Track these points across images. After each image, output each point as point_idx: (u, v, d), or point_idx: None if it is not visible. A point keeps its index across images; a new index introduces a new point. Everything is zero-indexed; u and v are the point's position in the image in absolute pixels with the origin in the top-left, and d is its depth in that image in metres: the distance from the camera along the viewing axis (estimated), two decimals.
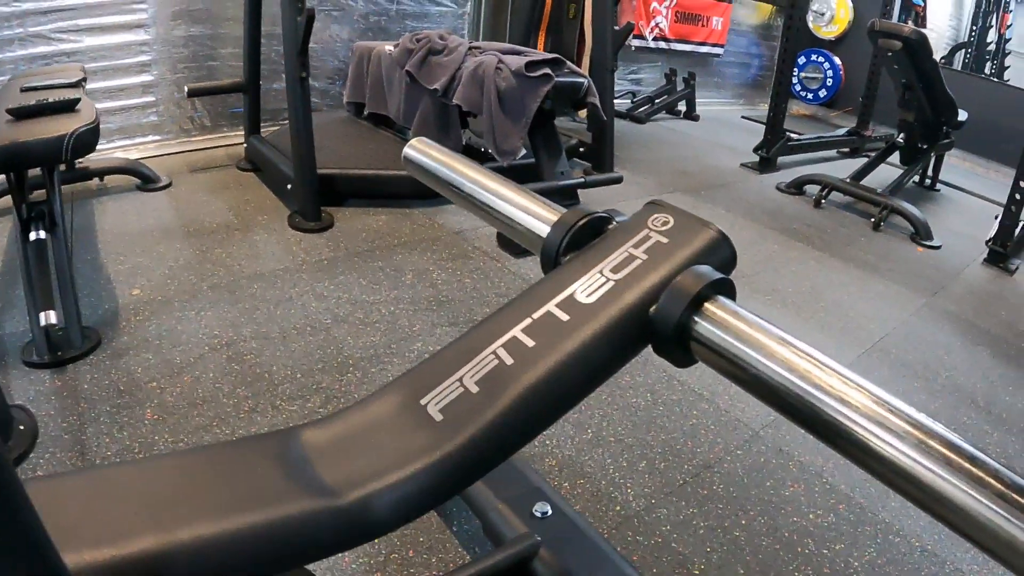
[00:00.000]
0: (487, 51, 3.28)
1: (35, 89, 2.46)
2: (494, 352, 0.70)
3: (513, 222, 0.94)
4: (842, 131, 5.92)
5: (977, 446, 0.53)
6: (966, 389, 2.47)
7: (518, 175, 3.12)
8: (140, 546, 0.50)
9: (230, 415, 1.82)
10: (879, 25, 4.08)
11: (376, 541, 1.49)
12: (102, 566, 0.49)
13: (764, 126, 5.11)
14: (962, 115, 4.76)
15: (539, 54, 3.25)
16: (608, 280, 0.74)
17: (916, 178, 5.26)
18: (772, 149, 5.00)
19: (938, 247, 3.94)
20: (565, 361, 0.68)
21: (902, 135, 4.73)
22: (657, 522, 1.68)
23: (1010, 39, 8.18)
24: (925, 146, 4.76)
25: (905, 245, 3.95)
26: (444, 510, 1.59)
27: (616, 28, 4.23)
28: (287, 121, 3.10)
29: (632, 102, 6.30)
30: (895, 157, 4.86)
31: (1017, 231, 3.86)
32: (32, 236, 2.15)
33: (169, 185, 3.35)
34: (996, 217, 3.89)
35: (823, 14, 7.36)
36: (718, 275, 0.72)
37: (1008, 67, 8.03)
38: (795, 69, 7.50)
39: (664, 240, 0.78)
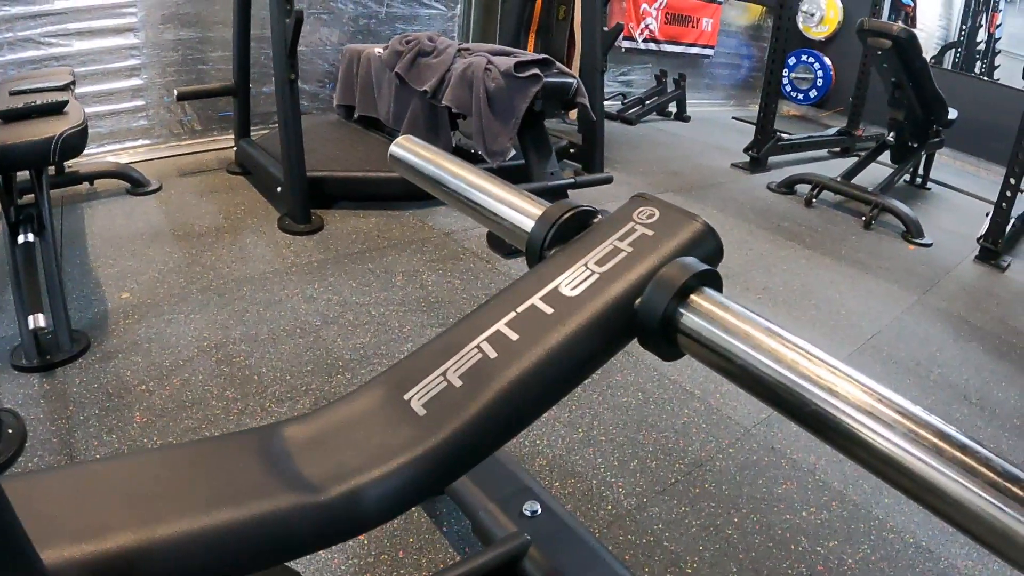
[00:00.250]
0: (476, 52, 3.28)
1: (23, 92, 2.45)
2: (478, 346, 0.70)
3: (498, 217, 0.93)
4: (832, 131, 5.94)
5: (967, 435, 0.53)
6: (959, 385, 2.48)
7: (508, 176, 3.05)
8: (118, 542, 0.50)
9: (219, 417, 1.81)
10: (868, 24, 4.10)
11: (365, 542, 1.49)
12: (80, 563, 0.48)
13: (754, 126, 5.12)
14: (952, 114, 4.78)
15: (528, 55, 3.25)
16: (593, 273, 0.74)
17: (907, 177, 5.28)
18: (762, 149, 5.01)
19: (929, 245, 3.95)
20: (549, 355, 0.68)
21: (892, 134, 4.74)
22: (649, 521, 1.67)
23: (999, 38, 8.23)
24: (915, 145, 4.77)
25: (896, 243, 3.95)
26: (434, 510, 1.58)
27: (605, 29, 4.23)
28: (276, 124, 3.09)
29: (623, 103, 6.30)
30: (886, 156, 4.87)
31: (1008, 228, 3.87)
32: (20, 239, 2.14)
33: (159, 189, 3.34)
34: (987, 215, 3.91)
35: (813, 15, 7.38)
36: (704, 266, 0.71)
37: (998, 66, 8.06)
38: (785, 70, 7.52)
39: (649, 232, 0.77)
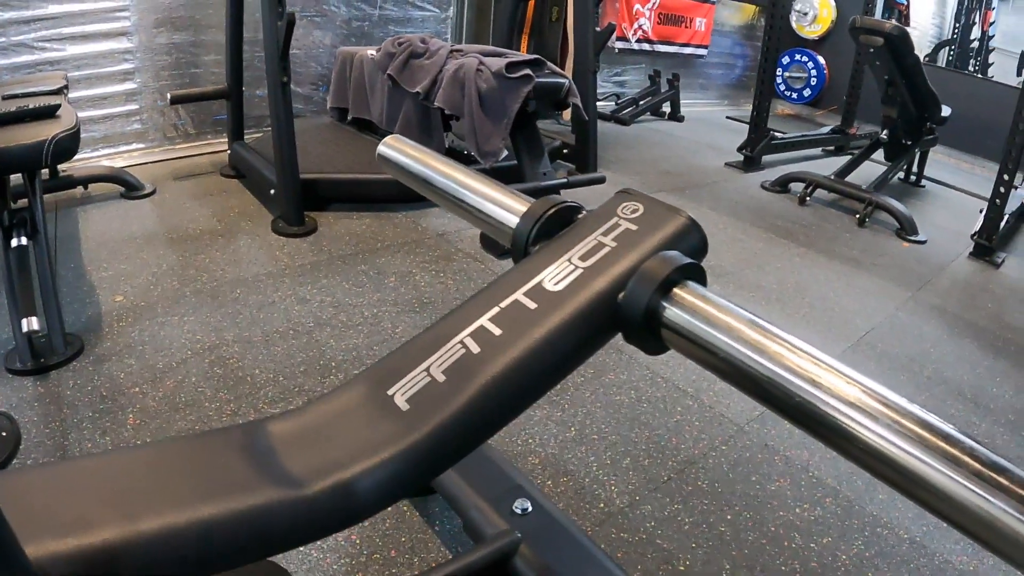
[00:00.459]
0: (468, 53, 3.29)
1: (16, 97, 2.45)
2: (461, 341, 0.70)
3: (484, 214, 0.93)
4: (826, 129, 5.95)
5: (951, 425, 0.53)
6: (953, 381, 2.48)
7: (501, 177, 3.08)
8: (102, 536, 0.50)
9: (212, 418, 1.81)
10: (860, 22, 4.11)
11: (358, 541, 1.49)
12: (64, 557, 0.48)
13: (748, 126, 5.13)
14: (945, 111, 4.78)
15: (520, 55, 3.26)
16: (576, 268, 0.74)
17: (901, 175, 5.29)
18: (756, 148, 5.02)
19: (923, 242, 3.96)
20: (532, 349, 0.68)
21: (885, 131, 4.75)
22: (641, 518, 1.67)
23: (993, 35, 8.25)
24: (909, 142, 4.77)
25: (890, 240, 3.96)
26: (426, 509, 1.59)
27: (598, 30, 4.24)
28: (270, 127, 3.09)
29: (616, 104, 6.31)
30: (880, 154, 4.87)
31: (1002, 224, 3.88)
32: (14, 243, 2.14)
33: (153, 192, 3.34)
34: (981, 211, 3.92)
35: (806, 14, 7.40)
36: (687, 260, 0.71)
37: (992, 63, 8.09)
38: (779, 69, 7.54)
39: (633, 227, 0.78)
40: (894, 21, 5.65)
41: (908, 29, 6.87)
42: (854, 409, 0.57)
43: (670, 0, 6.55)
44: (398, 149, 1.10)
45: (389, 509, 1.57)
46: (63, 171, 3.18)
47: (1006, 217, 3.96)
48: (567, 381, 2.17)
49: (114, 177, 3.33)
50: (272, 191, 3.07)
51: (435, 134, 3.42)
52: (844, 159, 4.82)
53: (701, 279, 0.73)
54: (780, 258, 3.45)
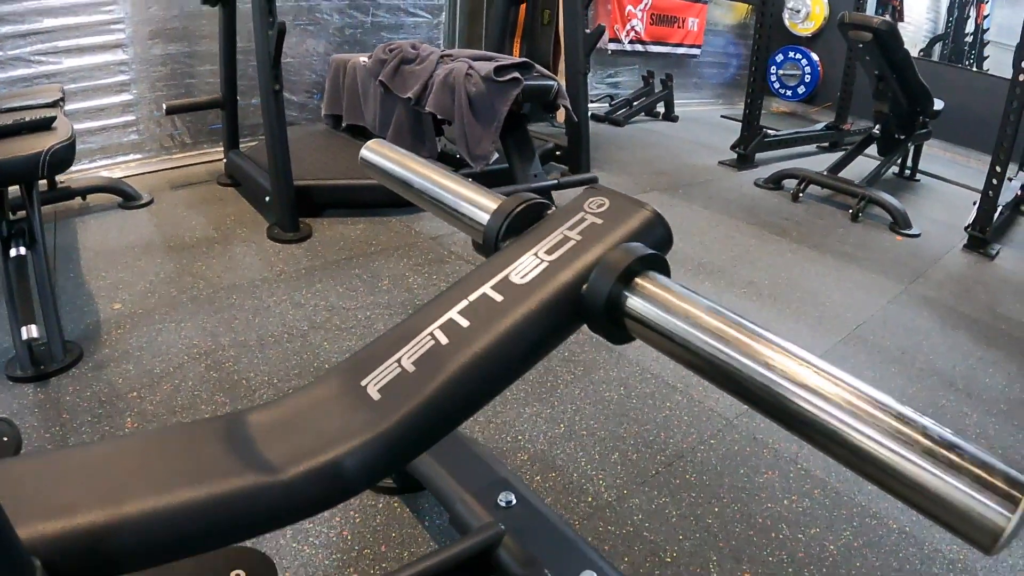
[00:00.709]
0: (458, 58, 3.32)
1: (12, 110, 2.49)
2: (431, 334, 0.73)
3: (458, 212, 0.96)
4: (820, 126, 5.97)
5: (909, 407, 0.54)
6: (945, 372, 2.49)
7: (492, 179, 3.15)
8: (88, 519, 0.53)
9: None
10: (848, 17, 4.12)
11: (349, 537, 1.52)
12: (53, 538, 0.51)
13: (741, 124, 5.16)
14: (938, 104, 4.79)
15: (508, 58, 3.29)
16: (542, 261, 0.76)
17: (896, 169, 5.31)
18: (749, 146, 5.04)
19: (917, 235, 3.97)
20: (498, 340, 0.71)
21: (878, 126, 4.76)
22: (629, 512, 1.69)
23: (988, 29, 8.26)
24: (902, 136, 4.78)
25: (884, 235, 3.98)
26: (416, 505, 1.61)
27: (587, 31, 4.27)
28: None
29: (610, 105, 6.34)
30: (875, 150, 4.87)
31: (996, 216, 3.89)
32: (12, 253, 2.18)
33: (151, 202, 3.37)
34: (974, 203, 3.92)
35: (799, 11, 7.42)
36: (648, 250, 0.74)
37: (987, 56, 8.10)
38: (773, 67, 7.56)
39: (599, 221, 0.80)
40: (886, 17, 5.68)
41: (902, 24, 6.93)
42: (807, 390, 0.58)
43: (662, 1, 6.58)
44: (379, 153, 1.13)
45: (380, 505, 1.61)
46: (61, 183, 3.22)
47: (1000, 209, 3.96)
48: (556, 379, 2.20)
49: (112, 188, 3.36)
50: (267, 198, 3.11)
51: (427, 139, 3.46)
52: (838, 155, 4.83)
53: (664, 270, 0.75)
54: (772, 254, 3.47)
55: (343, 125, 4.06)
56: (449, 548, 1.16)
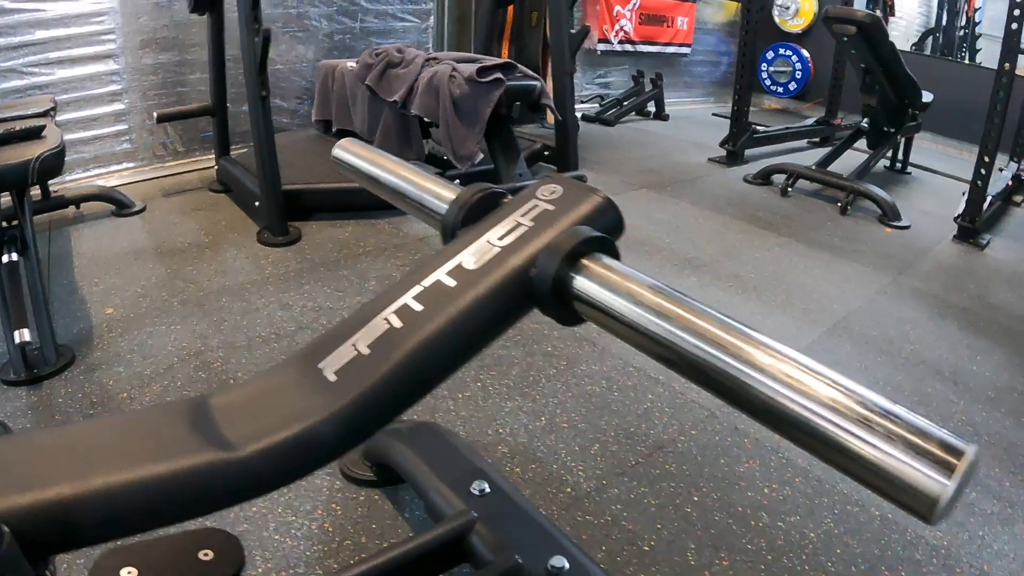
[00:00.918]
0: (443, 61, 3.36)
1: (3, 120, 2.54)
2: (385, 318, 0.75)
3: (420, 204, 0.99)
4: (810, 121, 5.99)
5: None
6: (932, 361, 2.50)
7: (477, 180, 3.13)
8: (56, 492, 0.56)
9: None
10: (833, 11, 4.14)
11: (330, 529, 1.55)
12: (22, 508, 0.54)
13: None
14: (927, 96, 4.80)
15: (491, 60, 3.33)
16: (494, 247, 0.79)
17: (887, 163, 5.32)
18: (738, 142, 5.06)
19: (907, 227, 3.97)
20: (450, 323, 0.73)
21: (866, 120, 4.78)
22: (607, 502, 1.71)
23: (980, 22, 8.28)
24: (891, 129, 4.78)
25: (873, 227, 3.98)
26: (397, 498, 1.64)
27: (572, 31, 4.30)
28: None
29: (600, 105, 6.36)
30: (866, 144, 4.87)
31: (986, 206, 3.89)
32: (5, 259, 2.22)
33: (143, 210, 3.41)
34: (963, 194, 3.93)
35: (788, 8, 7.45)
36: (595, 233, 0.75)
37: (980, 49, 8.11)
38: (764, 64, 7.59)
39: (551, 208, 0.82)
40: (876, 11, 5.70)
41: (893, 19, 6.94)
42: (741, 361, 0.59)
43: (651, 0, 6.61)
44: (349, 151, 1.17)
45: (361, 498, 1.63)
46: (55, 192, 3.26)
47: (989, 199, 3.96)
48: (539, 373, 2.22)
49: (105, 196, 3.40)
50: (256, 203, 3.14)
51: (414, 141, 3.49)
52: (828, 150, 4.85)
53: (613, 253, 0.78)
54: (759, 248, 3.49)
55: (333, 130, 4.10)
56: (422, 535, 1.19)
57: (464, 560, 1.23)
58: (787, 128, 5.76)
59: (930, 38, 8.35)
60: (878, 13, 5.50)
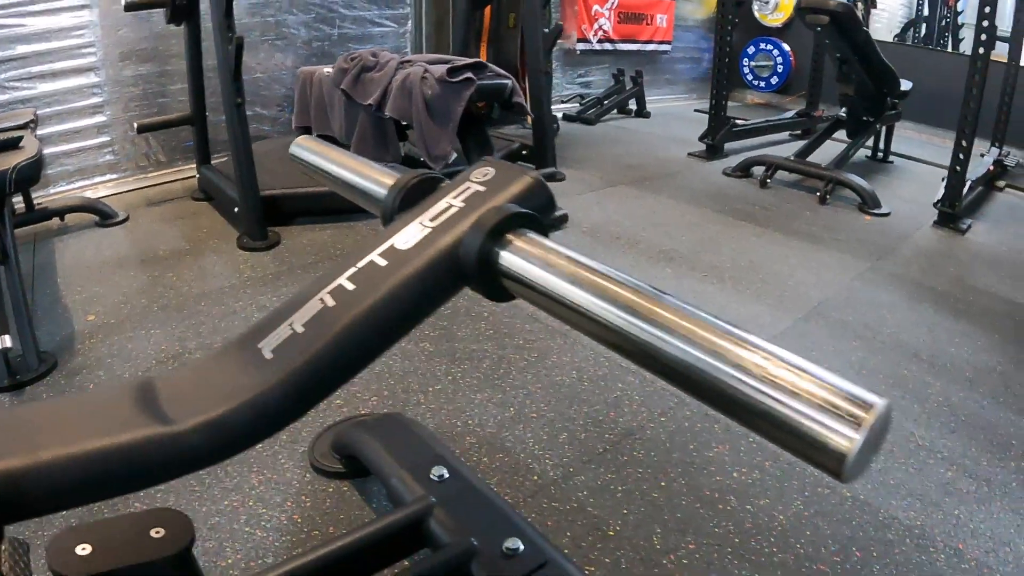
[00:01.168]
0: (416, 63, 3.40)
1: None
2: (320, 298, 0.79)
3: (363, 192, 1.03)
4: (790, 114, 6.01)
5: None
6: (909, 344, 2.51)
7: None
8: (10, 464, 0.60)
9: None
10: (805, 1, 4.15)
11: (299, 520, 1.57)
12: None
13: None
14: (905, 85, 4.82)
15: (462, 60, 3.37)
16: (426, 228, 0.82)
17: (869, 152, 5.35)
18: (717, 136, 5.09)
19: (887, 215, 4.00)
20: (381, 301, 0.76)
21: (844, 109, 4.80)
22: (573, 489, 1.72)
23: (962, 11, 8.34)
24: (870, 119, 4.80)
25: (852, 216, 4.01)
26: (365, 489, 1.66)
27: (546, 30, 4.34)
28: None
29: (581, 104, 6.38)
30: (846, 134, 4.89)
31: (965, 191, 3.91)
32: None
33: (126, 220, 3.44)
34: (942, 179, 3.95)
35: (768, 2, 7.49)
36: (521, 210, 0.78)
37: (963, 39, 8.16)
38: (745, 59, 7.63)
39: (482, 189, 0.85)
40: (862, 5, 5.73)
41: (875, 11, 6.97)
42: (651, 324, 0.61)
43: None
44: (304, 147, 1.21)
45: (330, 490, 1.66)
46: (39, 204, 3.29)
47: (969, 183, 3.98)
48: (510, 365, 2.25)
49: (88, 207, 3.43)
50: (235, 209, 3.17)
51: (390, 144, 3.53)
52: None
53: (540, 228, 0.81)
54: (736, 239, 3.52)
55: (313, 136, 4.12)
56: (381, 519, 1.22)
57: (424, 545, 1.26)
58: (767, 121, 5.78)
59: (911, 29, 8.41)
60: (859, 3, 5.55)
